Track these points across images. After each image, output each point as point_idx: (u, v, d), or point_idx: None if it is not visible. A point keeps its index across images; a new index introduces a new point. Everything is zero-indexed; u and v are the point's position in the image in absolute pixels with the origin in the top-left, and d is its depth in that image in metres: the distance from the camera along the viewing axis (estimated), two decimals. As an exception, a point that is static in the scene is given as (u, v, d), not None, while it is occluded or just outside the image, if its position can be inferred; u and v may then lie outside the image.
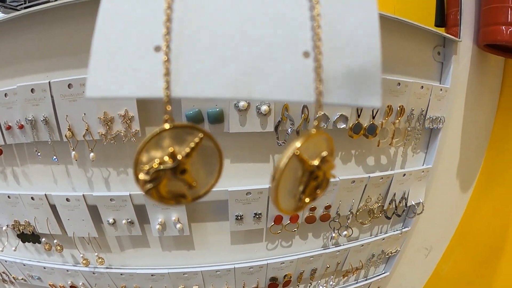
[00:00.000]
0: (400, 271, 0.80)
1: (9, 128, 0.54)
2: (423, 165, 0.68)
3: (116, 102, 0.50)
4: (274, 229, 0.56)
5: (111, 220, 0.57)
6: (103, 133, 0.52)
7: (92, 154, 0.53)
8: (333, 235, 0.59)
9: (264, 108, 0.47)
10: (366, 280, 0.74)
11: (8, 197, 0.57)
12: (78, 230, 0.59)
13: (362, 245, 0.65)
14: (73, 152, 0.54)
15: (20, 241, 0.62)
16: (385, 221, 0.69)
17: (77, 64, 0.51)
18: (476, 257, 0.87)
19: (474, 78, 0.75)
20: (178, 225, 0.55)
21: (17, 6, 0.61)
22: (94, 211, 0.56)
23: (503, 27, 0.71)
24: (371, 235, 0.68)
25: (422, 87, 0.62)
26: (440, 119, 0.66)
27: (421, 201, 0.68)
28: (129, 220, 0.56)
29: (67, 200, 0.56)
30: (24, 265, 0.63)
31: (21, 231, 0.60)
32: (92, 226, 0.58)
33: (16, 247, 0.62)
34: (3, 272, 0.67)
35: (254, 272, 0.60)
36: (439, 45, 0.67)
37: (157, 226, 0.56)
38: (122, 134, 0.52)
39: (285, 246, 0.60)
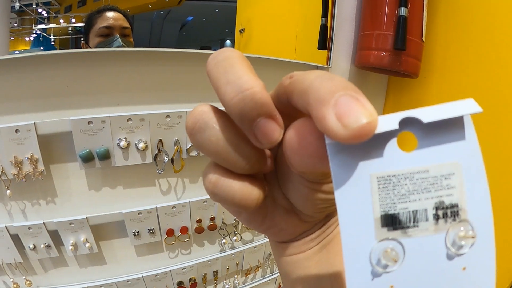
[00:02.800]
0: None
1: None
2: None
3: (23, 146, 0.61)
4: (169, 241, 0.68)
5: (31, 246, 0.66)
6: (15, 173, 0.62)
7: (8, 191, 0.63)
8: (223, 241, 0.72)
9: (141, 145, 0.59)
10: (272, 275, 0.86)
11: None
12: (6, 257, 0.68)
13: (255, 247, 0.77)
14: (-7, 191, 0.64)
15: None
16: (278, 224, 0.81)
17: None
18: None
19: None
20: (87, 244, 0.66)
21: None
22: (16, 239, 0.66)
23: (374, 52, 0.86)
24: (264, 237, 0.80)
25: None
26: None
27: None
28: (47, 244, 0.66)
29: (-8, 231, 0.65)
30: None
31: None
32: (17, 252, 0.67)
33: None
34: None
35: (161, 279, 0.71)
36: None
37: (70, 247, 0.66)
38: (31, 173, 0.62)
39: (185, 253, 0.72)
